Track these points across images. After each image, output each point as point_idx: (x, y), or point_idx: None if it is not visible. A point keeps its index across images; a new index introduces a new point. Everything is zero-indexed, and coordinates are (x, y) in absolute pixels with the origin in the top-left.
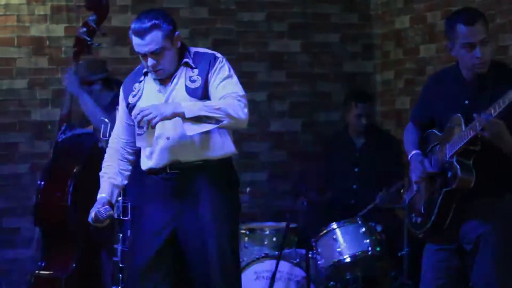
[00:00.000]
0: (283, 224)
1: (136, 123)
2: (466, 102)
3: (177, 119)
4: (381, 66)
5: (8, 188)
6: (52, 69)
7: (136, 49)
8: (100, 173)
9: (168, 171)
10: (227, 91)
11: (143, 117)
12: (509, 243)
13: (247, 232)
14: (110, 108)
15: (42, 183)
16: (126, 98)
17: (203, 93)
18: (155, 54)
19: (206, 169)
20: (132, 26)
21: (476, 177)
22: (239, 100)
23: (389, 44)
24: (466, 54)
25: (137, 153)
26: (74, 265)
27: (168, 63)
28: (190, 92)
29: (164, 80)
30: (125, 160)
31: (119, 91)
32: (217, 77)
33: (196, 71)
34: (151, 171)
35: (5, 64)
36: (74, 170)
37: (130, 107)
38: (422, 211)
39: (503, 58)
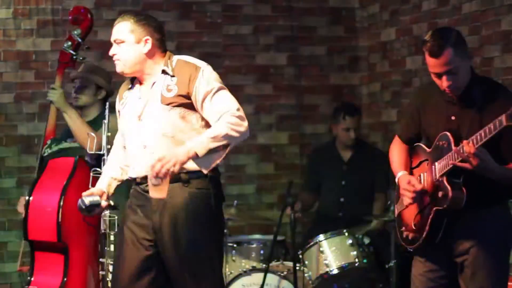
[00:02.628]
0: (270, 236)
1: (153, 174)
2: (453, 118)
3: (155, 128)
4: (368, 78)
5: None
6: (39, 83)
7: None
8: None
9: (147, 183)
10: (220, 110)
11: (162, 166)
12: (499, 256)
13: (234, 245)
14: (98, 122)
15: (31, 198)
16: (118, 104)
17: (175, 103)
18: (116, 42)
19: (186, 182)
20: None
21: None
22: (236, 117)
23: (375, 56)
24: (437, 80)
25: None
26: (65, 279)
27: (124, 57)
28: (164, 101)
29: (146, 86)
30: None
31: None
32: (205, 96)
33: (175, 79)
34: (131, 178)
35: None
36: (63, 185)
37: (120, 113)
38: (413, 227)
39: (488, 69)
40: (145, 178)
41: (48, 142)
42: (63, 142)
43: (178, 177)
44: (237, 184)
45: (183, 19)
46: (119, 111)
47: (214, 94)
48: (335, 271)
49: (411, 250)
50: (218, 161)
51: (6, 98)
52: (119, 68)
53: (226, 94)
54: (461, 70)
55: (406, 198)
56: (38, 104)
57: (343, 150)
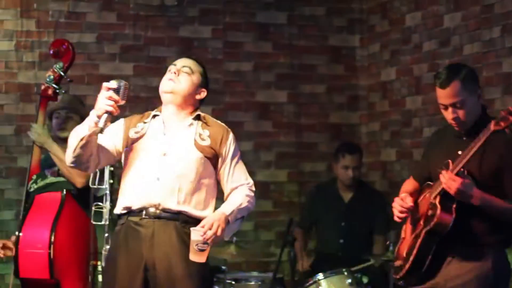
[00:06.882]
0: (269, 274)
1: (200, 240)
2: (459, 152)
3: (181, 168)
4: (367, 118)
5: None
6: None
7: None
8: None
9: (143, 216)
10: (239, 180)
11: (214, 233)
12: None
13: (233, 282)
14: None
15: (20, 234)
16: (127, 129)
17: (207, 154)
18: (180, 71)
19: (182, 223)
20: None
21: (459, 224)
22: (253, 191)
23: (375, 95)
24: (444, 113)
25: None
26: None
27: (182, 88)
28: (198, 147)
29: (172, 124)
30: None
31: None
32: (231, 160)
33: (207, 132)
34: (124, 210)
35: None
36: (52, 221)
37: (129, 140)
38: (404, 255)
39: (489, 111)
40: (140, 212)
41: (34, 177)
42: (49, 176)
43: (180, 217)
44: None
45: (183, 55)
46: (128, 136)
47: (237, 162)
48: None
49: (398, 278)
50: (235, 231)
51: (7, 130)
52: (170, 88)
53: (243, 165)
54: (467, 105)
55: (395, 212)
56: None
57: (344, 190)
